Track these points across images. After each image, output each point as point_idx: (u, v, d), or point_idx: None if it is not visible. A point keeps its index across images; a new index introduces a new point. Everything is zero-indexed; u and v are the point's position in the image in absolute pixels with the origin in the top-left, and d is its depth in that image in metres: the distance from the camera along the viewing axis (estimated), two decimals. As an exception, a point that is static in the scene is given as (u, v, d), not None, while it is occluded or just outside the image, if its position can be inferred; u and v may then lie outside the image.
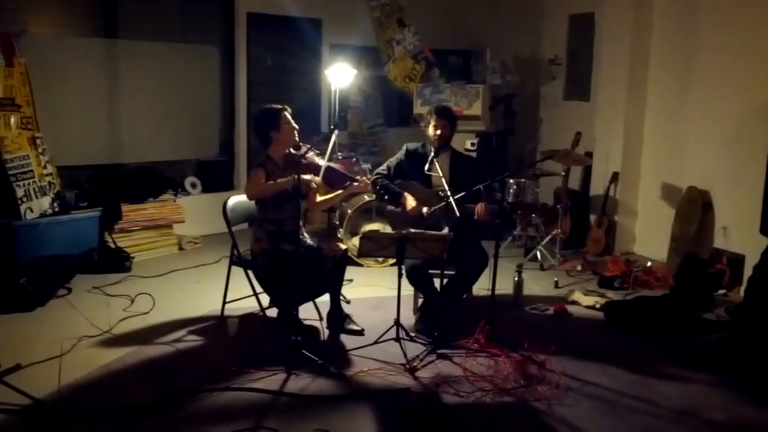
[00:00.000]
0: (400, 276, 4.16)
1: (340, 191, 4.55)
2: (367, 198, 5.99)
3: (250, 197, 4.38)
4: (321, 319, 4.58)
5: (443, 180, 4.46)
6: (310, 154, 4.36)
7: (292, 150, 4.39)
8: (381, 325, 4.30)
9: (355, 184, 4.49)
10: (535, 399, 3.58)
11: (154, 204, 6.40)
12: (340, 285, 4.54)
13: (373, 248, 4.20)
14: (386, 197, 4.74)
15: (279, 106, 4.40)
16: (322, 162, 4.50)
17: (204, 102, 7.43)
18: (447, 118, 4.74)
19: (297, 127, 4.41)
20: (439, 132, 4.68)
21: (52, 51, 6.21)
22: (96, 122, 6.60)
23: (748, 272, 5.34)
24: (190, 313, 4.81)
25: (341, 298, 4.60)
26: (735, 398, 3.70)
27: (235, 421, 3.27)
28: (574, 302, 5.20)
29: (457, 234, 4.25)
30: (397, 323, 4.20)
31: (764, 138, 5.21)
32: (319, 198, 4.63)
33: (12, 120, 5.54)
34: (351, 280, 5.44)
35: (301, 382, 3.70)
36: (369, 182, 4.62)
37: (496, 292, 4.37)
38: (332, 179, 4.51)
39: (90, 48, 6.53)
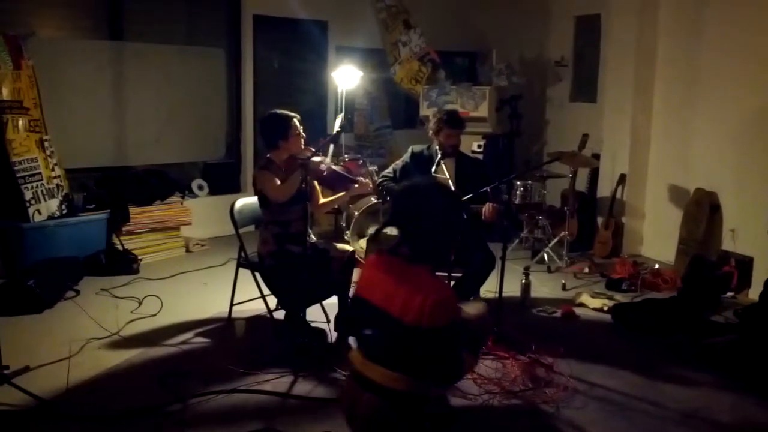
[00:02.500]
0: (407, 278, 4.15)
1: (342, 193, 4.55)
2: (374, 200, 6.00)
3: (284, 198, 4.20)
4: (328, 321, 4.58)
5: (450, 182, 4.45)
6: (313, 157, 4.35)
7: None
8: (388, 328, 4.29)
9: (356, 186, 4.49)
10: (542, 401, 3.58)
11: (161, 206, 6.41)
12: (347, 287, 4.52)
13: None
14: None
15: (289, 114, 4.36)
16: (325, 164, 4.50)
17: (210, 104, 7.45)
18: (460, 127, 4.73)
19: (304, 135, 4.41)
20: (451, 142, 4.68)
21: (60, 54, 6.23)
22: (103, 125, 6.62)
23: (756, 274, 5.34)
24: (197, 315, 4.82)
25: (348, 300, 4.60)
26: (744, 400, 3.69)
27: (243, 423, 3.28)
28: (582, 304, 5.19)
29: (464, 236, 4.23)
30: (404, 325, 4.19)
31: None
32: (322, 200, 4.63)
33: (20, 123, 5.57)
34: (358, 282, 5.44)
35: (309, 385, 3.70)
36: (370, 183, 4.61)
37: (504, 294, 4.38)
38: (333, 181, 4.51)
39: (97, 50, 6.55)
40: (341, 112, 5.24)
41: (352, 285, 4.61)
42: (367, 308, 2.24)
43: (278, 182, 4.23)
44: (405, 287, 2.17)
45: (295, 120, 4.34)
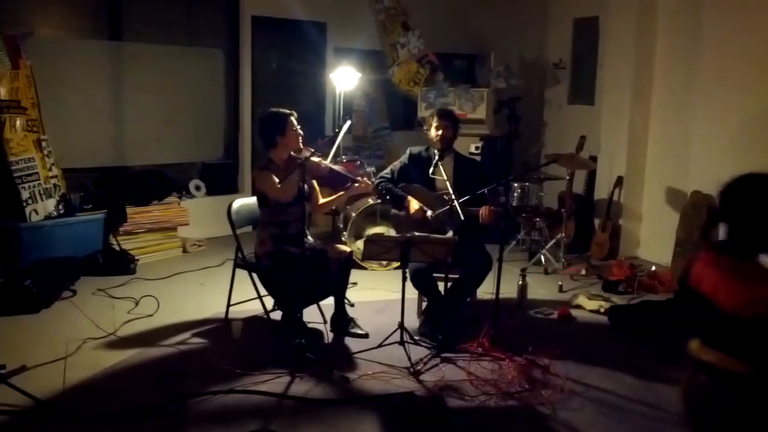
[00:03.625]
0: (404, 279, 4.16)
1: (341, 193, 4.56)
2: (371, 201, 6.00)
3: (287, 198, 4.24)
4: (325, 322, 4.58)
5: (447, 183, 4.46)
6: (312, 156, 4.36)
7: (293, 153, 4.40)
8: (385, 329, 4.29)
9: (356, 185, 4.50)
10: (539, 403, 3.58)
11: (158, 206, 6.41)
12: (344, 288, 4.54)
13: (378, 251, 4.20)
14: (390, 201, 4.75)
15: (286, 111, 4.40)
16: (324, 163, 4.51)
17: (208, 105, 7.45)
18: (448, 119, 4.74)
19: (302, 133, 4.43)
20: (440, 133, 4.68)
21: (58, 53, 6.23)
22: (101, 125, 6.62)
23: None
24: (194, 315, 4.81)
25: (345, 301, 4.61)
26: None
27: (239, 423, 3.27)
28: (579, 306, 5.19)
29: (462, 237, 4.24)
30: (402, 327, 4.20)
31: (769, 142, 5.21)
32: (321, 200, 4.64)
33: (17, 122, 5.56)
34: (355, 284, 5.44)
35: (305, 385, 3.70)
36: (370, 183, 4.62)
37: (501, 295, 4.38)
38: (334, 180, 4.53)
39: (95, 50, 6.55)
40: (349, 119, 5.30)
41: (349, 284, 4.63)
42: (699, 299, 2.38)
43: (276, 180, 4.24)
44: (732, 281, 2.28)
45: (292, 117, 4.37)
